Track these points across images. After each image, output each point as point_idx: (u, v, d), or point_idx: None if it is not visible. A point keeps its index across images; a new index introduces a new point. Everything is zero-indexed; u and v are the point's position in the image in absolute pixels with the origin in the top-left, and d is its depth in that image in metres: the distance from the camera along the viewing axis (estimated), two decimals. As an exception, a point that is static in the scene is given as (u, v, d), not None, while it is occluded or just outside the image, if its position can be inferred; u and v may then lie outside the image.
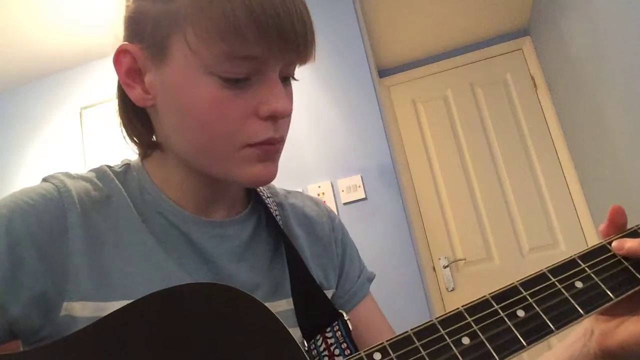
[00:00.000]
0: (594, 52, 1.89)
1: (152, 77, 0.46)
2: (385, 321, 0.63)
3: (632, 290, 0.40)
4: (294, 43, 0.43)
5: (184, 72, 0.44)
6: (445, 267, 2.55)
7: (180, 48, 0.43)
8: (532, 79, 2.68)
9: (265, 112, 0.45)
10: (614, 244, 0.43)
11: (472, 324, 0.37)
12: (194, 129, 0.46)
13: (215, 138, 0.45)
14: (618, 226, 0.45)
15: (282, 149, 0.49)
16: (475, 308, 0.38)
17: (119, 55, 0.47)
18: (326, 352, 0.49)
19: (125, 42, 0.47)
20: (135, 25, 0.46)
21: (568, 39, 2.13)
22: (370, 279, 0.66)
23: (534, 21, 2.61)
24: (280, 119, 0.46)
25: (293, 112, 0.50)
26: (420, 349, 0.35)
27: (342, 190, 1.91)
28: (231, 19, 0.40)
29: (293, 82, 0.51)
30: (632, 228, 0.45)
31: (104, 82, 2.28)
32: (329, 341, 0.50)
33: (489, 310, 0.38)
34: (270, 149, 0.47)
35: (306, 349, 0.50)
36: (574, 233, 2.47)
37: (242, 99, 0.44)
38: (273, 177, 0.49)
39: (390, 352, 0.35)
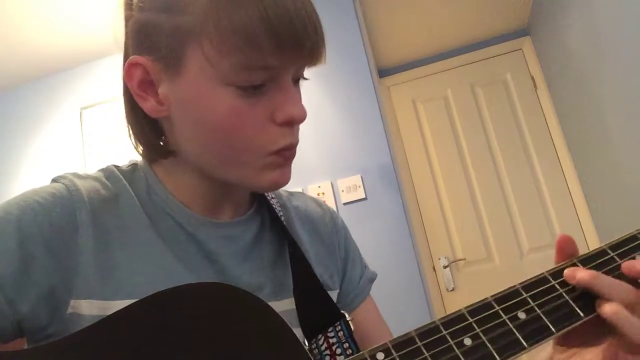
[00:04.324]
0: (594, 51, 1.89)
1: (165, 88, 0.46)
2: (384, 324, 0.64)
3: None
4: (307, 50, 0.44)
5: (200, 84, 0.44)
6: (445, 267, 2.56)
7: (196, 60, 0.43)
8: (532, 79, 2.68)
9: (282, 118, 0.45)
10: (566, 272, 0.41)
11: (474, 325, 0.37)
12: (212, 139, 0.46)
13: (236, 148, 0.46)
14: (568, 255, 0.43)
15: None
16: (478, 310, 0.38)
17: (130, 69, 0.47)
18: (328, 352, 0.50)
19: (135, 55, 0.46)
20: (146, 37, 0.46)
21: (568, 38, 2.13)
22: (372, 279, 0.66)
23: (534, 21, 2.61)
24: (297, 124, 0.47)
25: None
26: (423, 349, 0.35)
27: (342, 190, 1.91)
28: (249, 31, 0.40)
29: None
30: (631, 233, 0.44)
31: (104, 82, 2.26)
32: (331, 340, 0.50)
33: (491, 312, 0.38)
34: (288, 155, 0.48)
35: (307, 347, 0.50)
36: (574, 233, 2.46)
37: (258, 106, 0.45)
38: (288, 181, 0.49)
39: (394, 353, 0.35)
